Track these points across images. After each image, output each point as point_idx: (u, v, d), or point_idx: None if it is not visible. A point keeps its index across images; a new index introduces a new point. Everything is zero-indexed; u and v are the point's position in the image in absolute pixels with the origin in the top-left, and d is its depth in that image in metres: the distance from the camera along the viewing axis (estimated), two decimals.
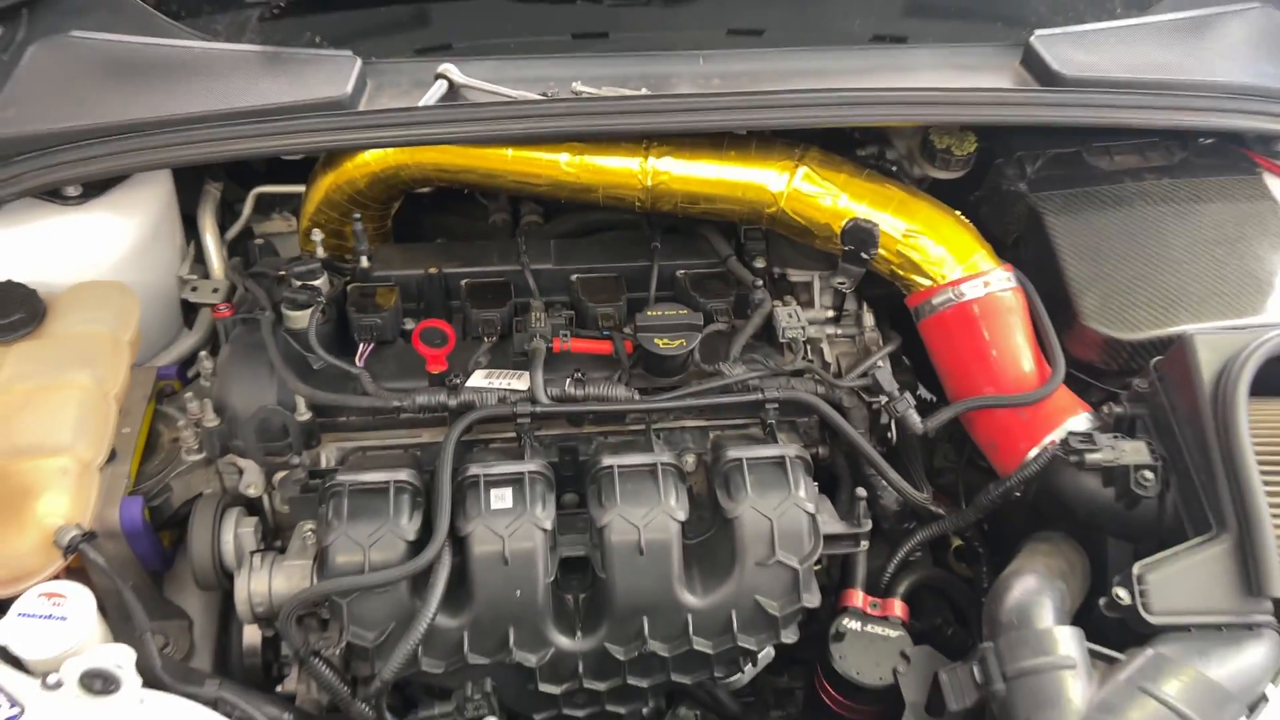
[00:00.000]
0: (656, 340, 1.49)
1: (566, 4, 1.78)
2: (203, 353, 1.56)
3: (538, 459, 1.41)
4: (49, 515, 1.31)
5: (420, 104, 1.54)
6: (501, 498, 1.35)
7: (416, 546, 1.34)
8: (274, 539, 1.49)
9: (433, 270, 1.63)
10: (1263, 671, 1.24)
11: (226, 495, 1.47)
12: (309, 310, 1.50)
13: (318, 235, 1.61)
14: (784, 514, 1.36)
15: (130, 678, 1.19)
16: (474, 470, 1.37)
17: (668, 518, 1.35)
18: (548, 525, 1.34)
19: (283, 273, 1.57)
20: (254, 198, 1.88)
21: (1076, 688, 1.22)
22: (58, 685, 1.19)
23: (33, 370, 1.45)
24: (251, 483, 1.46)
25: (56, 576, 1.30)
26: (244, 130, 1.50)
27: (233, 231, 1.88)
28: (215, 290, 1.80)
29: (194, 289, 1.80)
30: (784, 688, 1.59)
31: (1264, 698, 1.22)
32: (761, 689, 1.56)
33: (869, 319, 1.69)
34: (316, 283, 1.52)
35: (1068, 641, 1.25)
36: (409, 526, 1.34)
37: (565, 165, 1.60)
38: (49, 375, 1.44)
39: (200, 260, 1.85)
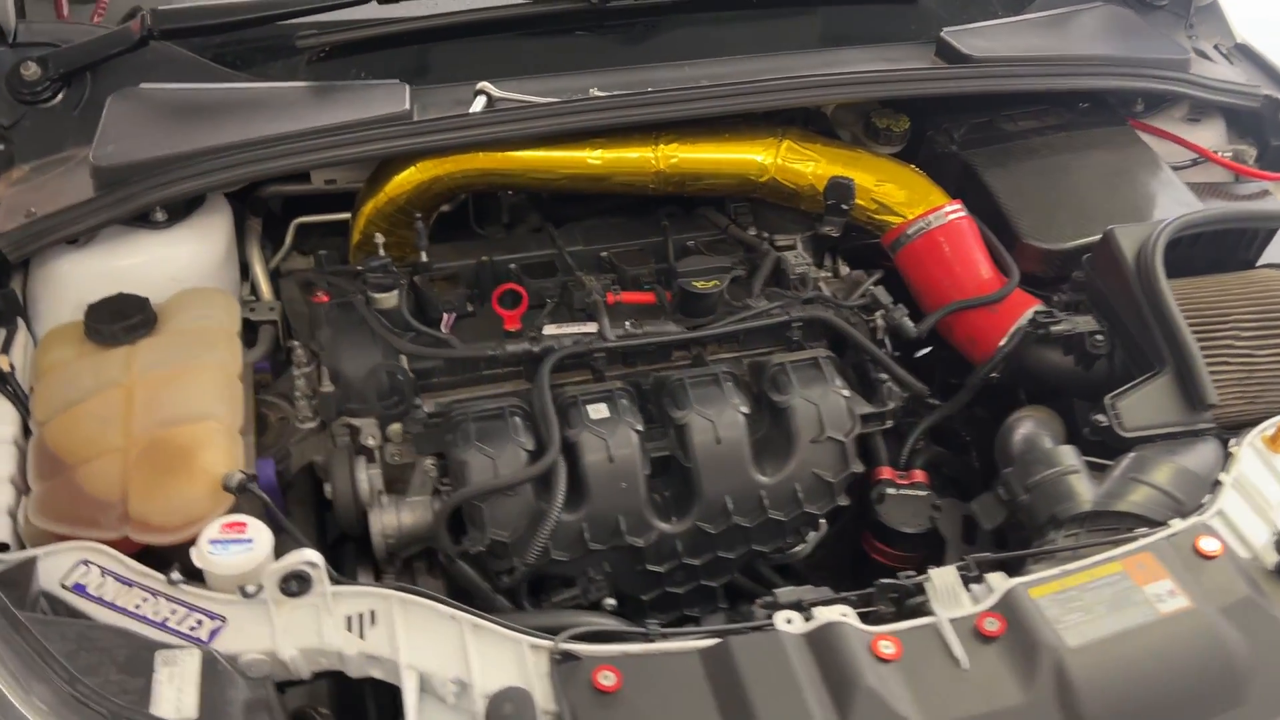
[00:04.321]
0: (694, 283, 1.79)
1: (568, 35, 2.10)
2: (294, 343, 1.78)
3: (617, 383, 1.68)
4: (214, 465, 1.49)
5: (469, 112, 1.82)
6: (599, 410, 1.61)
7: (534, 457, 1.58)
8: (386, 487, 1.70)
9: (484, 258, 1.89)
10: (1215, 463, 1.58)
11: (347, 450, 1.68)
12: (394, 292, 1.75)
13: (380, 239, 1.85)
14: (826, 399, 1.67)
15: (321, 577, 1.38)
16: (570, 391, 1.63)
17: (735, 412, 1.64)
18: (640, 427, 1.61)
19: (359, 268, 1.81)
20: (295, 228, 2.10)
21: (1083, 485, 1.54)
22: (257, 591, 1.38)
23: (161, 359, 1.62)
24: (370, 434, 1.67)
25: None
26: (319, 144, 1.74)
27: (276, 260, 2.08)
28: (271, 309, 2.00)
29: (253, 309, 2.00)
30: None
31: (1218, 481, 1.56)
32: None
33: (844, 266, 2.04)
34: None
35: (1070, 455, 1.58)
36: (526, 439, 1.59)
37: (591, 159, 1.90)
38: (178, 362, 1.61)
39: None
